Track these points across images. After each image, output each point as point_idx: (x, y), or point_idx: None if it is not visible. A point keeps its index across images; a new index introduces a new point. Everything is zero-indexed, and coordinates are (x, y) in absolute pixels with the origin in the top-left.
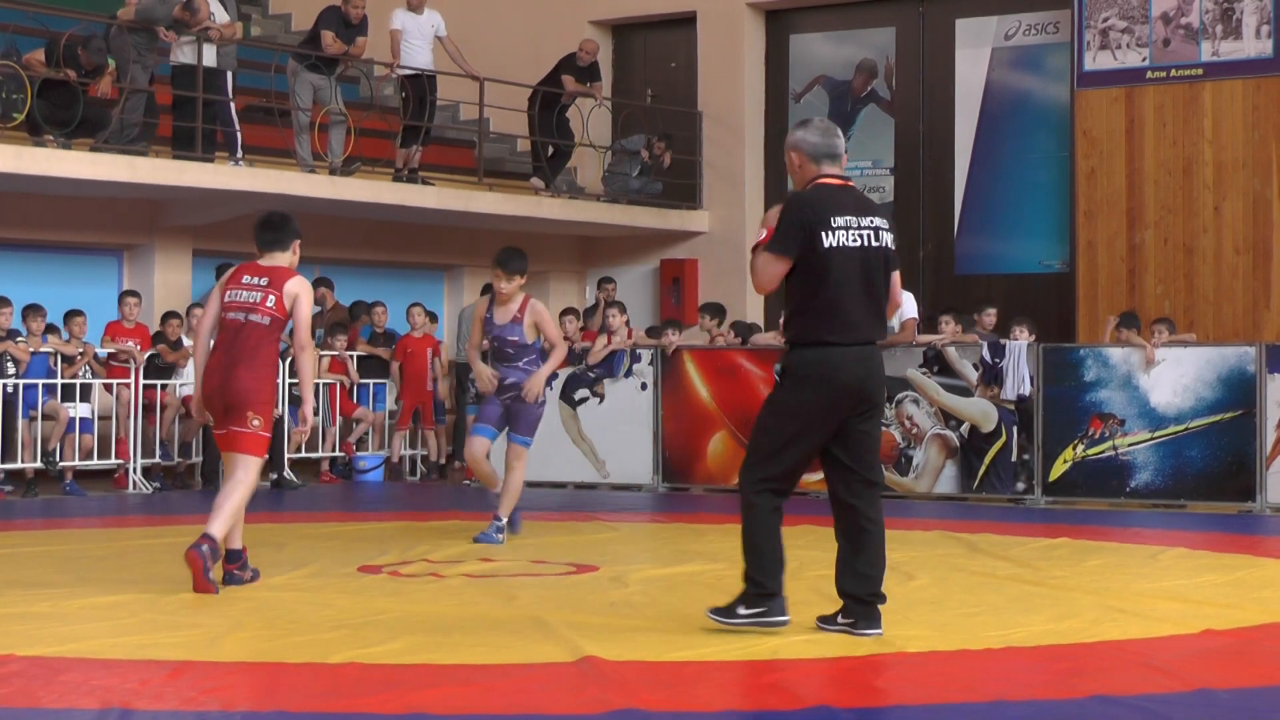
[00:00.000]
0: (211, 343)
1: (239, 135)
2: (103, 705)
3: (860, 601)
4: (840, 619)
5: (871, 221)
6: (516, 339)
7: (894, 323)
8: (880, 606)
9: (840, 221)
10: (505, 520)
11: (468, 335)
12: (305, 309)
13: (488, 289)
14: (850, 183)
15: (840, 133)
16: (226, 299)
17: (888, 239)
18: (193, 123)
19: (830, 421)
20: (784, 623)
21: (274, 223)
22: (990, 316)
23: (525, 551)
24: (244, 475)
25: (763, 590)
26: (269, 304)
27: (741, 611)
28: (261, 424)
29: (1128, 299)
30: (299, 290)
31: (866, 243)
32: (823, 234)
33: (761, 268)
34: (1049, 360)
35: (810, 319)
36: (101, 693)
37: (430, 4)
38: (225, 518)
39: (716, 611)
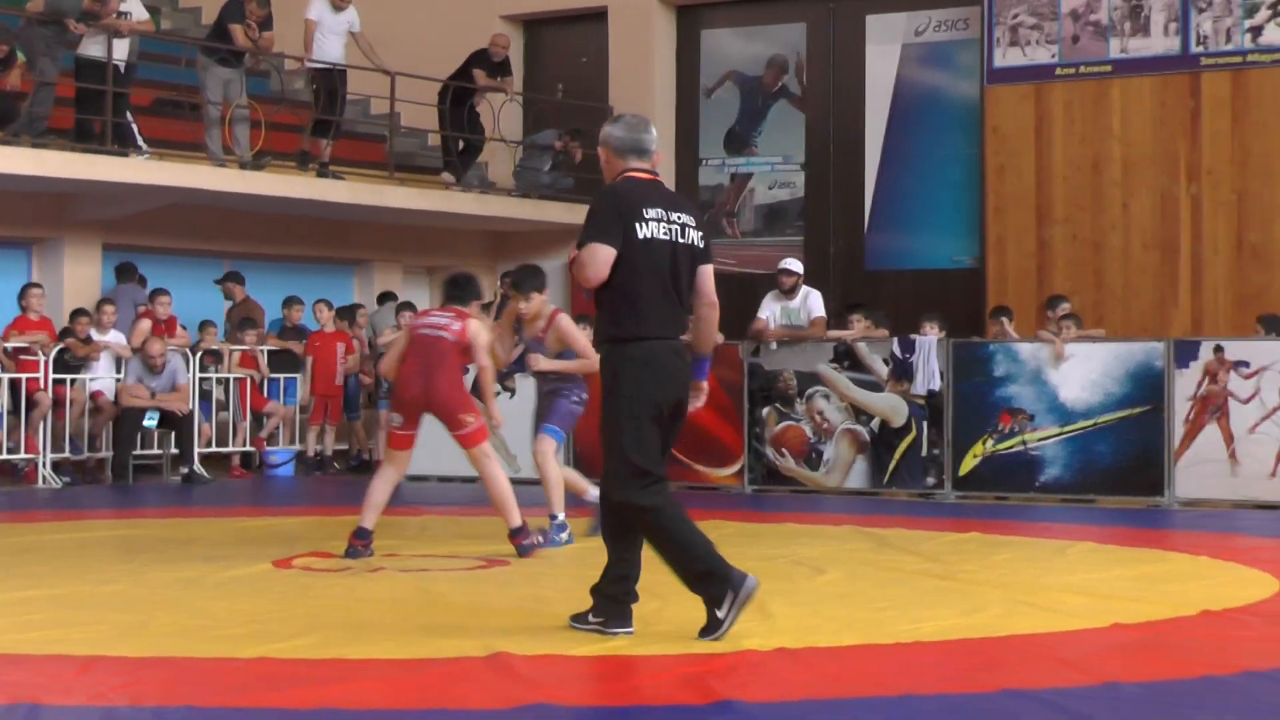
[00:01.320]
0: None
1: (135, 128)
2: (11, 700)
3: (615, 600)
4: (591, 617)
5: (679, 216)
6: (543, 355)
7: (803, 320)
8: (633, 606)
9: (652, 214)
10: (562, 516)
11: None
12: (483, 338)
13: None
14: (658, 178)
15: (651, 128)
16: (417, 325)
17: (695, 235)
18: (92, 115)
19: (662, 414)
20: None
21: (459, 282)
22: (932, 330)
23: (437, 546)
24: (487, 464)
25: (720, 576)
26: (455, 328)
27: (723, 615)
28: (474, 420)
29: (1036, 294)
30: (478, 327)
31: (676, 237)
32: (637, 225)
33: (589, 258)
34: (959, 355)
35: (632, 314)
36: (10, 688)
37: None
38: (510, 501)
39: (707, 635)
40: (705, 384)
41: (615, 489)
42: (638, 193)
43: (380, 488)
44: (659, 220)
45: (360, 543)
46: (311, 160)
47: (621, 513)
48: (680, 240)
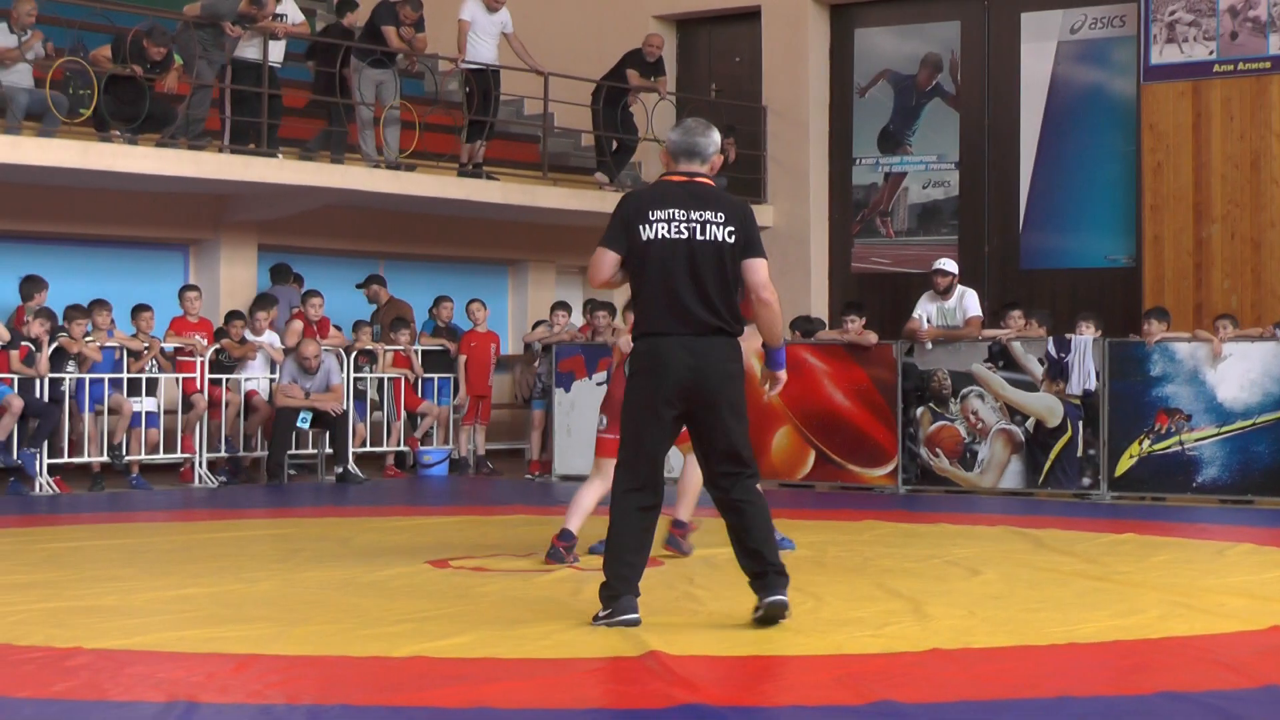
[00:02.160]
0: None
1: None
2: (169, 698)
3: (758, 575)
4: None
5: (702, 215)
6: None
7: (959, 319)
8: (783, 577)
9: (660, 214)
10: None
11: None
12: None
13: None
14: (698, 179)
15: (712, 133)
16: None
17: (720, 232)
18: (246, 117)
19: (667, 412)
20: (634, 621)
21: None
22: (1088, 329)
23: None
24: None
25: (611, 590)
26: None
27: (598, 615)
28: (605, 425)
29: (1194, 293)
30: None
31: (693, 235)
32: (640, 227)
33: (593, 261)
34: (1115, 355)
35: (640, 312)
36: (168, 685)
37: None
38: (695, 497)
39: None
40: (781, 374)
41: (615, 480)
42: (653, 195)
43: (589, 494)
44: (669, 220)
45: (564, 545)
46: (465, 163)
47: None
48: (699, 237)
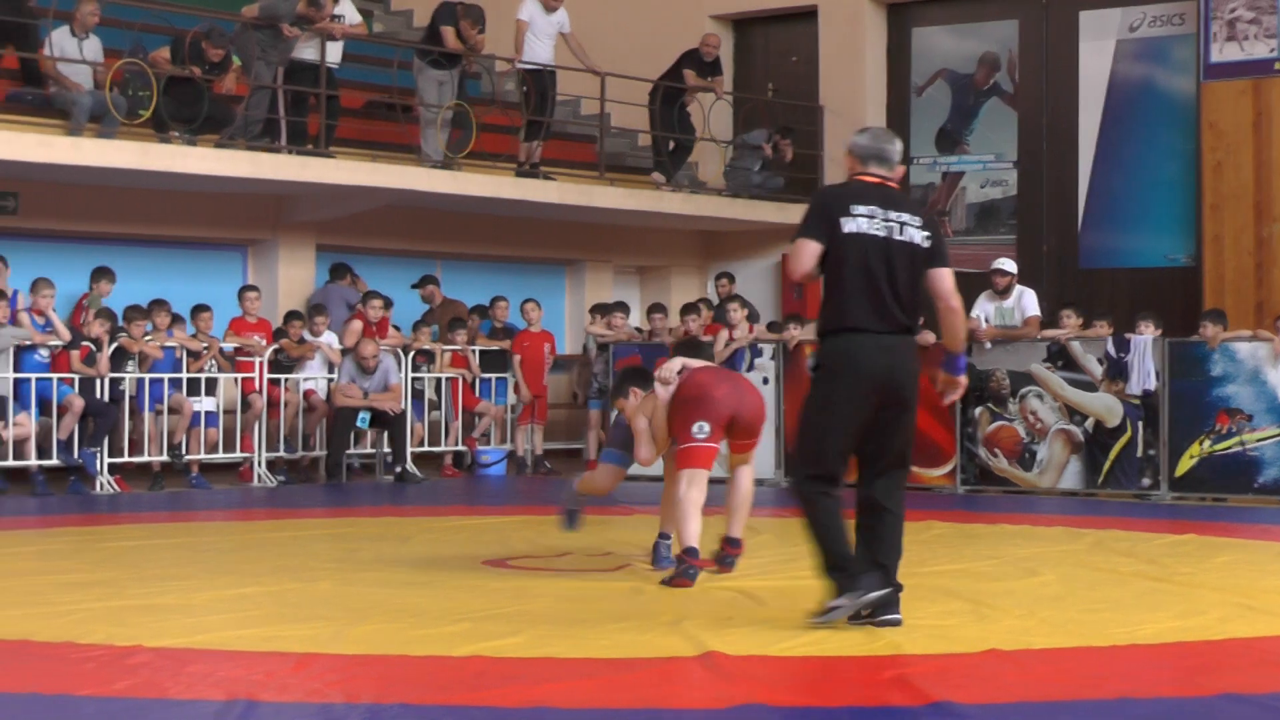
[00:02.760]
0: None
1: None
2: (228, 696)
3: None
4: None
5: (899, 215)
6: None
7: (1016, 319)
8: (899, 594)
9: (861, 210)
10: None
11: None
12: None
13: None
14: (890, 183)
15: (896, 141)
16: None
17: (916, 235)
18: (298, 117)
19: (863, 407)
20: (884, 596)
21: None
22: (1148, 329)
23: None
24: (749, 471)
25: (848, 572)
26: None
27: (834, 604)
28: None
29: (1255, 293)
30: None
31: (891, 234)
32: (841, 220)
33: (794, 252)
34: (1175, 355)
35: (835, 306)
36: (227, 684)
37: None
38: (746, 513)
39: (816, 616)
40: (961, 379)
41: (794, 467)
42: (852, 190)
43: (733, 493)
44: (870, 216)
45: (734, 550)
46: (523, 162)
47: (794, 493)
48: (897, 237)
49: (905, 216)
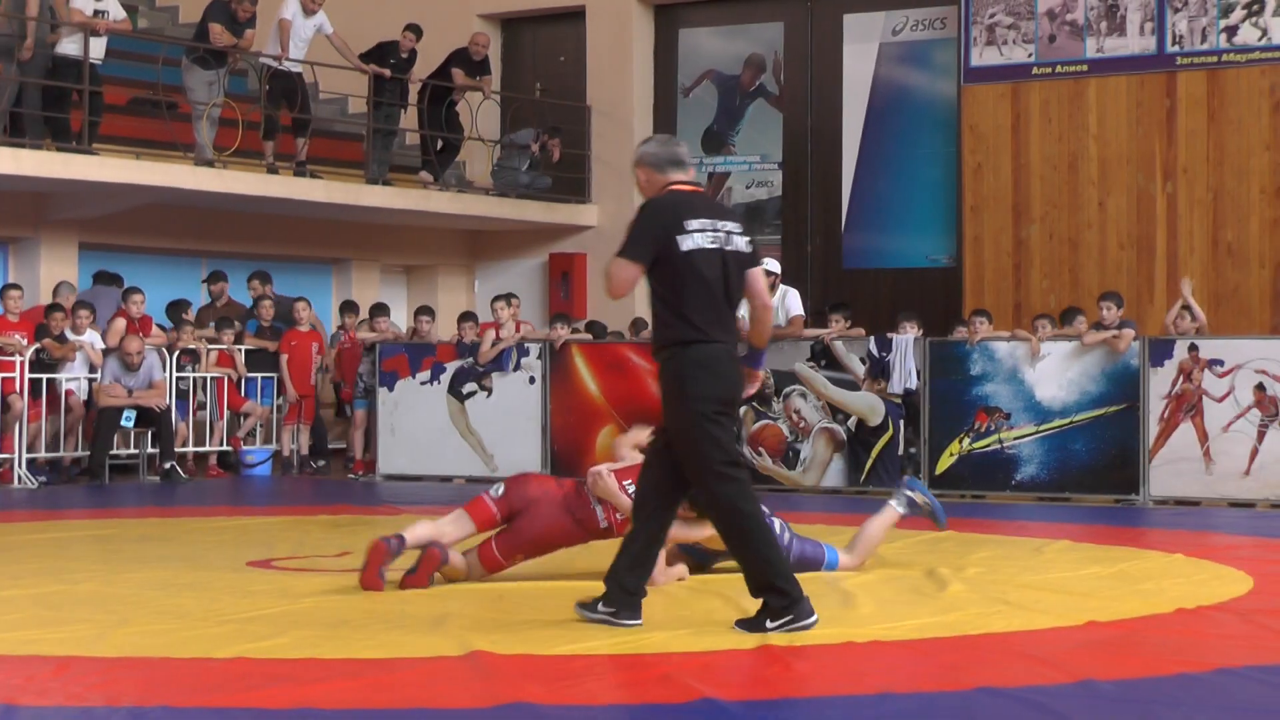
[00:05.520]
0: None
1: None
2: None
3: (630, 593)
4: (601, 606)
5: (726, 225)
6: None
7: (780, 319)
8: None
9: (696, 224)
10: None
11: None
12: None
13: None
14: (700, 189)
15: (682, 143)
16: None
17: (740, 241)
18: (59, 114)
19: (730, 416)
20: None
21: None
22: (910, 329)
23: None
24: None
25: (794, 600)
26: None
27: (769, 625)
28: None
29: (1014, 293)
30: None
31: (724, 245)
32: (679, 238)
33: (614, 273)
34: (935, 354)
35: (686, 322)
36: None
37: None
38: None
39: (739, 623)
40: (761, 373)
41: (703, 476)
42: (681, 205)
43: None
44: (704, 230)
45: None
46: (264, 160)
47: (715, 511)
48: (728, 248)
49: (730, 225)
